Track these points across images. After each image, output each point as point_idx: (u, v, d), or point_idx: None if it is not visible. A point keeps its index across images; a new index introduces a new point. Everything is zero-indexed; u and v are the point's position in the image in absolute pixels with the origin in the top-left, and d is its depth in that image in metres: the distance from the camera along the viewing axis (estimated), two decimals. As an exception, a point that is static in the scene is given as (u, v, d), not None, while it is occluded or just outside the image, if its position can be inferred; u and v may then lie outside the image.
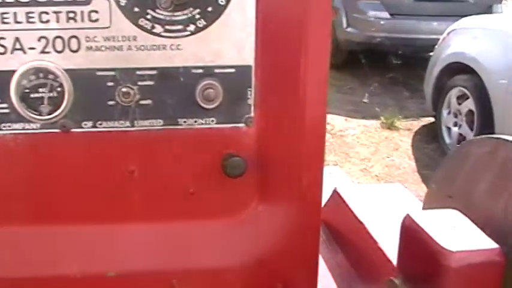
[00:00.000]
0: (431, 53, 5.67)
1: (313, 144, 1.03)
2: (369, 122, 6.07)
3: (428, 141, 5.55)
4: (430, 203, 1.05)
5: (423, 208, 1.09)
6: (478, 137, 0.95)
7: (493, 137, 0.90)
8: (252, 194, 1.06)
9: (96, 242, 1.04)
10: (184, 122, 1.01)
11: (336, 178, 2.20)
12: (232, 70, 0.99)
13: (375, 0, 7.15)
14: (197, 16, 0.96)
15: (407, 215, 0.87)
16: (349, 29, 7.37)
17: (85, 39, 0.96)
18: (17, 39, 0.96)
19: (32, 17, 0.95)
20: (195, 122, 1.01)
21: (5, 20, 0.94)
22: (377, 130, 5.91)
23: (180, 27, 0.96)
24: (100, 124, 1.00)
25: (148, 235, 1.06)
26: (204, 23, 0.97)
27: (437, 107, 5.33)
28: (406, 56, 7.61)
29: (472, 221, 0.86)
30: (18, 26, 0.95)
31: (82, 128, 1.00)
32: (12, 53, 0.96)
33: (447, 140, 5.10)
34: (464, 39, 5.08)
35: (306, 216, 1.06)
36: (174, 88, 0.99)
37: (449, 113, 5.15)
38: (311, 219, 1.07)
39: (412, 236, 0.86)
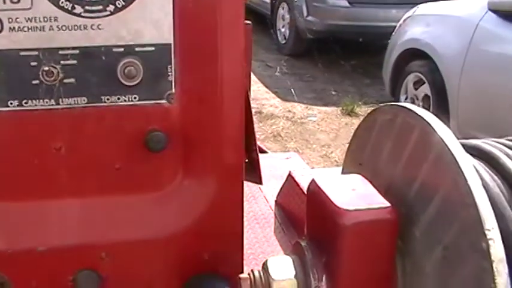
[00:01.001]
0: (389, 41, 5.76)
1: (233, 119, 1.08)
2: (329, 109, 6.15)
3: (387, 126, 5.62)
4: (344, 171, 1.11)
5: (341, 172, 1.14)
6: (382, 105, 1.01)
7: (395, 105, 0.96)
8: (176, 168, 1.10)
9: (25, 218, 1.08)
10: (108, 99, 1.05)
11: (293, 163, 2.26)
12: (152, 48, 1.03)
13: (335, -11, 7.22)
14: (116, -4, 1.00)
15: (313, 179, 0.92)
16: (309, 18, 7.44)
17: (7, 21, 0.99)
18: None
19: None
20: (118, 99, 1.05)
21: None
22: (337, 117, 5.99)
23: (100, 7, 1.00)
24: (26, 103, 1.03)
25: (76, 210, 1.10)
26: (123, 3, 1.01)
27: (396, 93, 5.44)
28: (366, 44, 7.71)
29: (376, 186, 0.92)
30: None
31: (8, 106, 1.03)
32: None
33: (405, 125, 5.19)
34: (419, 25, 5.19)
35: (228, 189, 1.11)
36: (96, 67, 1.03)
37: (406, 98, 5.26)
38: (233, 193, 1.12)
39: (315, 199, 0.92)
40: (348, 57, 7.57)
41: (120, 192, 1.10)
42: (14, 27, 1.00)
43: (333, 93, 6.65)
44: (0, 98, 1.02)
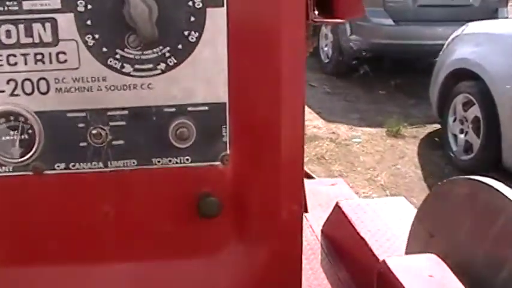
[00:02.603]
0: (435, 59, 5.62)
1: (291, 180, 1.01)
2: (374, 130, 6.03)
3: (434, 148, 5.49)
4: (413, 241, 1.02)
5: (408, 244, 1.06)
6: (459, 177, 0.92)
7: (473, 179, 0.87)
8: (229, 233, 1.03)
9: (71, 284, 1.02)
10: (159, 161, 0.98)
11: (339, 190, 2.17)
12: (206, 108, 0.97)
13: (379, 8, 7.10)
14: (167, 54, 0.94)
15: (383, 261, 0.84)
16: (352, 37, 7.33)
17: (54, 81, 0.94)
18: None
19: (0, 60, 0.93)
20: (169, 161, 0.99)
21: None
22: (382, 138, 5.87)
23: (150, 66, 0.94)
24: (73, 166, 0.98)
25: (123, 276, 1.04)
26: (175, 61, 0.94)
27: (443, 114, 5.28)
28: (411, 63, 7.56)
29: (452, 265, 0.83)
30: None
31: (55, 169, 0.98)
32: None
33: (454, 148, 5.05)
34: (469, 44, 5.03)
35: (286, 252, 1.04)
36: (146, 128, 0.97)
37: (455, 120, 5.10)
38: (292, 255, 1.04)
39: (386, 284, 0.83)
40: (392, 77, 7.43)
41: (170, 258, 1.04)
42: (60, 88, 0.95)
43: (378, 114, 6.52)
44: (47, 160, 0.97)
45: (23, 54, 0.93)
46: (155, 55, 0.94)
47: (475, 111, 4.84)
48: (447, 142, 5.19)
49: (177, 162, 0.99)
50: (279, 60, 0.95)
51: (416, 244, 1.01)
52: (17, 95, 0.94)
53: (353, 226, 1.43)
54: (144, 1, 0.87)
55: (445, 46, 5.42)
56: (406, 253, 1.12)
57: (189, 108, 0.96)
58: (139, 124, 0.97)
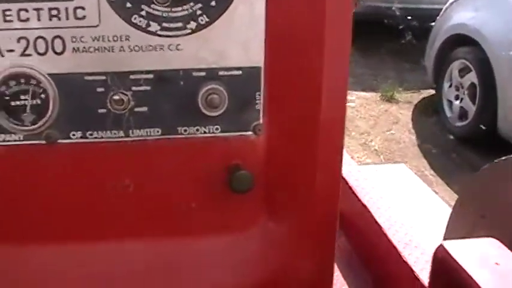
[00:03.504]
0: (432, 24, 5.52)
1: (330, 153, 0.92)
2: (368, 95, 5.96)
3: (429, 114, 5.45)
4: (457, 222, 0.94)
5: (448, 227, 0.98)
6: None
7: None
8: (261, 208, 0.95)
9: (87, 262, 0.94)
10: (185, 130, 0.89)
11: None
12: (239, 72, 0.87)
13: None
14: (199, 12, 0.84)
15: (441, 245, 0.76)
16: None
17: (71, 40, 0.84)
18: None
19: (9, 15, 0.83)
20: (197, 130, 0.89)
21: None
22: (376, 103, 5.80)
23: (179, 24, 0.84)
24: (90, 134, 0.88)
25: (146, 254, 0.95)
26: (207, 19, 0.85)
27: (439, 80, 5.21)
28: (406, 27, 7.45)
29: (508, 246, 0.76)
30: None
31: (70, 138, 0.89)
32: None
33: (448, 114, 5.00)
34: (467, 10, 4.94)
35: (321, 231, 0.96)
36: (173, 93, 0.87)
37: (450, 86, 5.03)
38: (327, 235, 0.96)
39: (447, 271, 0.75)
40: (387, 41, 7.33)
41: (195, 234, 0.96)
42: (78, 48, 0.85)
43: (372, 78, 6.44)
44: (61, 128, 0.88)
45: (35, 9, 0.83)
46: (185, 12, 0.84)
47: (471, 77, 4.78)
48: (442, 108, 5.14)
49: (205, 132, 0.90)
50: (322, 22, 0.86)
51: (461, 226, 0.93)
52: (28, 54, 0.84)
53: (354, 193, 1.38)
54: (176, -49, 0.77)
55: (442, 11, 5.32)
56: (449, 236, 1.06)
57: (221, 73, 0.87)
58: (165, 89, 0.87)
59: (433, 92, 5.61)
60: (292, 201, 0.94)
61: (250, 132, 0.91)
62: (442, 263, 0.78)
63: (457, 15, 5.01)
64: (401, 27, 7.11)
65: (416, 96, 5.93)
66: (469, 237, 0.86)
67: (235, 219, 0.95)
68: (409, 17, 6.89)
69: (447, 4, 5.25)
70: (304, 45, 0.87)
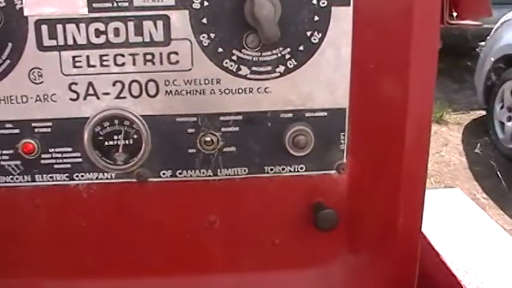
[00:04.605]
0: (480, 43, 5.45)
1: (413, 190, 0.93)
2: (416, 116, 5.88)
3: (479, 135, 5.36)
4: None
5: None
6: None
7: None
8: (341, 244, 0.97)
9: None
10: (271, 169, 0.92)
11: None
12: (324, 114, 0.89)
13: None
14: (287, 56, 0.87)
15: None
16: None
17: (164, 83, 0.88)
18: (90, 84, 0.88)
19: (107, 60, 0.86)
20: (282, 169, 0.92)
21: (77, 64, 0.86)
22: (425, 124, 5.72)
23: (268, 68, 0.87)
24: (180, 173, 0.92)
25: (229, 287, 0.97)
26: (295, 63, 0.87)
27: (490, 101, 5.14)
28: (454, 46, 7.38)
29: None
30: (91, 70, 0.87)
31: (160, 177, 0.92)
32: (85, 99, 0.88)
33: (500, 135, 4.92)
34: (517, 30, 4.87)
35: (401, 266, 0.97)
36: (260, 134, 0.90)
37: (502, 107, 4.96)
38: (407, 270, 0.97)
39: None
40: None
41: (277, 269, 0.98)
42: (170, 91, 0.88)
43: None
44: (153, 167, 0.91)
45: (131, 54, 0.87)
46: (274, 57, 0.87)
47: (524, 98, 4.70)
48: (493, 130, 5.06)
49: (290, 171, 0.92)
50: (407, 65, 0.87)
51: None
52: (123, 97, 0.88)
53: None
54: (270, 0, 0.80)
55: (493, 31, 5.25)
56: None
57: (307, 114, 0.89)
58: (253, 130, 0.90)
59: (483, 113, 5.53)
60: (374, 236, 0.96)
61: (333, 171, 0.93)
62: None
63: (508, 35, 4.95)
64: (448, 46, 7.03)
65: (466, 117, 5.86)
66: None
67: (317, 254, 0.97)
68: (456, 36, 6.83)
69: (497, 24, 5.19)
70: (389, 86, 0.88)
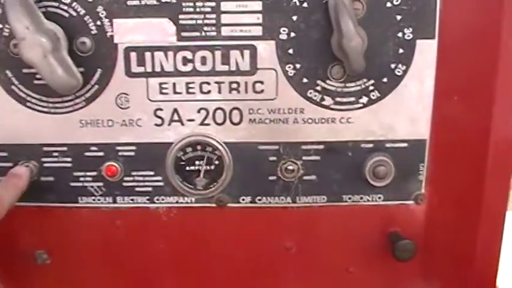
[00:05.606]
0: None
1: (492, 223, 0.93)
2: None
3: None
4: None
5: None
6: None
7: None
8: (416, 274, 0.97)
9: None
10: (349, 198, 0.93)
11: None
12: (405, 145, 0.90)
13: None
14: (371, 87, 0.88)
15: None
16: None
17: (248, 111, 0.89)
18: (175, 111, 0.90)
19: (192, 88, 0.88)
20: (361, 198, 0.93)
21: (164, 91, 0.88)
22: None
23: (351, 99, 0.88)
24: (259, 200, 0.93)
25: (302, 314, 0.99)
26: (378, 94, 0.88)
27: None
28: None
29: None
30: (177, 97, 0.89)
31: (239, 203, 0.93)
32: (169, 124, 0.90)
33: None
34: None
35: None
36: (341, 163, 0.91)
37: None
38: None
39: None
40: None
41: (350, 297, 0.98)
42: (254, 119, 0.89)
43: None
44: (232, 193, 0.93)
45: (217, 82, 0.88)
46: (358, 88, 0.88)
47: None
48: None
49: (368, 200, 0.93)
50: (491, 97, 0.87)
51: None
52: (207, 124, 0.90)
53: None
54: (358, 33, 0.81)
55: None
56: None
57: (388, 145, 0.90)
58: (334, 159, 0.91)
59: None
60: (450, 266, 0.96)
61: (411, 202, 0.93)
62: None
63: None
64: None
65: None
66: None
67: (391, 283, 0.97)
68: None
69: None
70: (472, 117, 0.89)
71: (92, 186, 0.93)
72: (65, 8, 0.85)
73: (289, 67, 0.87)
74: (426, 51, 0.86)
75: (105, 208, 0.94)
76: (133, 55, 0.87)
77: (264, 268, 0.97)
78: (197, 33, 0.86)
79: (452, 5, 0.85)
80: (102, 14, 0.86)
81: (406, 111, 0.89)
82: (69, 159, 0.92)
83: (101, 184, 0.93)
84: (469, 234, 0.93)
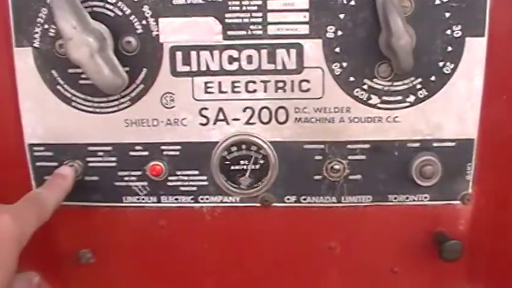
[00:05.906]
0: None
1: None
2: None
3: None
4: None
5: None
6: None
7: None
8: (461, 274, 0.96)
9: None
10: (395, 198, 0.92)
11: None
12: (452, 144, 0.89)
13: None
14: (418, 86, 0.87)
15: None
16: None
17: (294, 110, 0.89)
18: (221, 110, 0.89)
19: (238, 87, 0.88)
20: (406, 198, 0.92)
21: (209, 90, 0.88)
22: None
23: (398, 98, 0.87)
24: (304, 199, 0.92)
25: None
26: (426, 93, 0.87)
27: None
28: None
29: None
30: (222, 96, 0.89)
31: (284, 202, 0.93)
32: (214, 124, 0.90)
33: None
34: None
35: None
36: (387, 163, 0.90)
37: None
38: None
39: None
40: None
41: (394, 298, 0.97)
42: (300, 118, 0.89)
43: None
44: (277, 192, 0.92)
45: (263, 81, 0.88)
46: (405, 86, 0.87)
47: None
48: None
49: (414, 200, 0.92)
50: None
51: None
52: (252, 123, 0.90)
53: None
54: (407, 31, 0.80)
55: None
56: None
57: (435, 144, 0.89)
58: (380, 159, 0.90)
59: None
60: (496, 267, 0.95)
61: (458, 202, 0.92)
62: None
63: None
64: None
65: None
66: None
67: (435, 283, 0.96)
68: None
69: None
70: None
71: (136, 186, 0.93)
72: (111, 7, 0.86)
73: (335, 66, 0.86)
74: (475, 49, 0.85)
75: (149, 207, 0.94)
76: (178, 54, 0.87)
77: (307, 268, 0.96)
78: (243, 32, 0.86)
79: (502, 1, 0.83)
80: (148, 13, 0.86)
81: (454, 110, 0.88)
82: (113, 159, 0.92)
83: (145, 184, 0.93)
84: (517, 234, 0.92)
